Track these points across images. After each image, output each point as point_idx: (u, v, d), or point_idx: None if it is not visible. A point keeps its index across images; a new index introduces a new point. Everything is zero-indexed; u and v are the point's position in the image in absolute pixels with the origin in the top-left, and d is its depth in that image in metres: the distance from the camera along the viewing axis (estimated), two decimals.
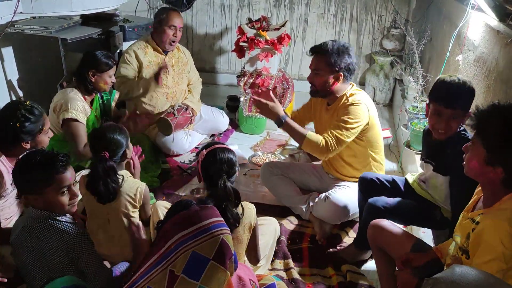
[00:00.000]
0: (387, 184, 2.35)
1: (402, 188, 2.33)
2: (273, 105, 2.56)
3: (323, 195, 2.67)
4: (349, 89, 2.59)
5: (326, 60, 2.49)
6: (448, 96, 1.97)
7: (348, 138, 2.48)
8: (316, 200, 2.69)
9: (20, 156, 1.89)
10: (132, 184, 2.19)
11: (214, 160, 1.96)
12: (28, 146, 2.17)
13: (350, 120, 2.47)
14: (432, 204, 2.16)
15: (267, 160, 3.46)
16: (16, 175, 1.80)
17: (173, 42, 3.38)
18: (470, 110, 1.94)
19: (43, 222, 1.75)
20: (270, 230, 2.43)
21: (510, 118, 1.44)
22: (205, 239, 1.47)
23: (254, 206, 2.09)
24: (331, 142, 2.46)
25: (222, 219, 1.56)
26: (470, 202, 1.68)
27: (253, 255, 2.13)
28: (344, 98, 2.57)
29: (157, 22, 3.34)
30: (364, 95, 2.59)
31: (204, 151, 2.01)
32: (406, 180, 2.34)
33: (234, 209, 1.94)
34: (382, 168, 2.75)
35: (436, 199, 2.14)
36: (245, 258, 2.21)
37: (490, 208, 1.51)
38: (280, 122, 2.56)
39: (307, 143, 2.50)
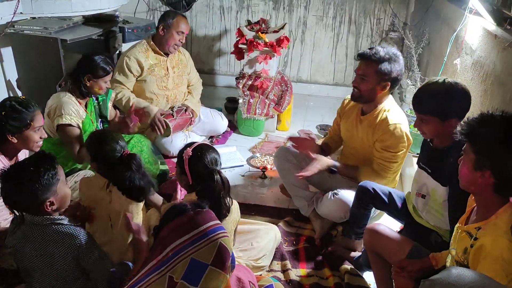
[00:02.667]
0: (384, 197, 2.31)
1: (399, 204, 2.29)
2: (319, 159, 2.58)
3: (330, 192, 2.65)
4: (387, 103, 2.54)
5: (376, 68, 2.41)
6: (414, 100, 2.02)
7: (397, 161, 2.51)
8: (322, 198, 2.68)
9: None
10: None
11: (202, 155, 2.02)
12: (14, 140, 2.14)
13: (395, 149, 2.47)
14: (427, 229, 2.10)
15: (265, 162, 3.46)
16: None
17: (177, 46, 3.39)
18: (451, 117, 1.90)
19: (47, 228, 1.74)
20: (271, 235, 2.44)
21: (500, 122, 1.45)
22: (204, 244, 1.48)
23: (237, 203, 2.17)
24: (386, 174, 2.52)
25: (219, 222, 1.57)
26: (463, 214, 1.66)
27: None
28: (382, 113, 2.51)
29: (166, 25, 3.32)
30: (401, 113, 2.55)
31: (189, 149, 2.05)
32: (405, 199, 2.30)
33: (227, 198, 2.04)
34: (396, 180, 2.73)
35: (435, 221, 2.06)
36: (246, 262, 2.22)
37: (487, 222, 1.49)
38: (333, 171, 2.64)
39: (363, 178, 2.51)
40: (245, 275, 1.77)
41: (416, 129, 2.95)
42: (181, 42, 3.39)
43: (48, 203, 1.72)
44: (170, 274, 1.47)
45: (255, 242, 2.35)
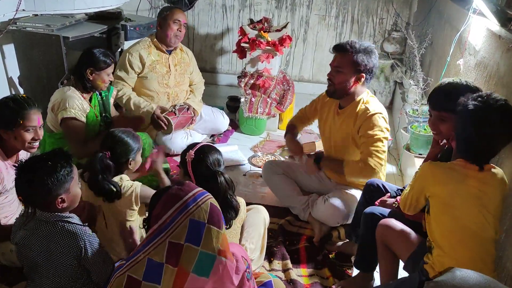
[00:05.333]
0: (394, 194, 2.27)
1: None
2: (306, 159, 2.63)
3: (323, 197, 2.67)
4: (365, 95, 2.54)
5: (351, 59, 2.42)
6: (432, 98, 2.01)
7: (385, 150, 2.43)
8: (316, 201, 2.69)
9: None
10: (127, 188, 2.17)
11: (205, 157, 2.03)
12: (6, 136, 2.12)
13: (380, 133, 2.43)
14: None
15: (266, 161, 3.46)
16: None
17: (178, 36, 3.40)
18: None
19: (54, 225, 1.75)
20: (260, 220, 2.41)
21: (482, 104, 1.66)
22: (197, 206, 1.55)
23: (243, 200, 2.19)
24: (375, 161, 2.39)
25: (202, 189, 1.62)
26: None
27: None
28: (361, 104, 2.51)
29: (162, 19, 3.36)
30: (380, 105, 2.55)
31: (192, 151, 2.06)
32: None
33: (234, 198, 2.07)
34: (384, 175, 2.72)
35: None
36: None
37: None
38: (318, 163, 2.62)
39: (348, 171, 2.46)
40: (239, 251, 1.82)
41: (419, 129, 2.98)
42: (180, 32, 3.39)
43: (60, 200, 1.73)
44: (170, 240, 1.52)
45: (245, 233, 2.32)
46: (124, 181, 2.19)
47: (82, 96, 2.78)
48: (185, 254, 1.52)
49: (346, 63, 2.44)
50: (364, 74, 2.45)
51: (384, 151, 2.44)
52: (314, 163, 2.63)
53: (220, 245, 1.56)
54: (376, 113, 2.46)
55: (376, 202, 2.17)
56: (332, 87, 2.53)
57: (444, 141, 2.05)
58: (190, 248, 1.52)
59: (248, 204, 2.85)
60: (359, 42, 2.45)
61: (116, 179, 2.17)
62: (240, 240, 2.24)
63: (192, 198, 1.55)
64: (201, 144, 2.13)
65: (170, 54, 3.46)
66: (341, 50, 2.47)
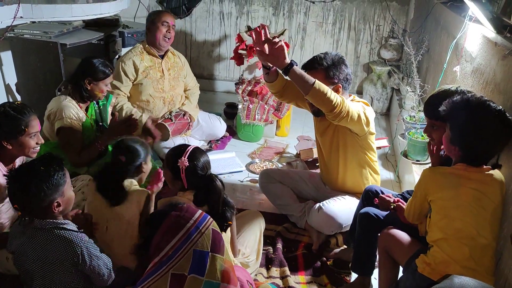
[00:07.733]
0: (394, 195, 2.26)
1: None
2: (281, 46, 2.10)
3: (317, 205, 2.64)
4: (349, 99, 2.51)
5: (323, 74, 2.38)
6: (426, 106, 2.03)
7: (354, 115, 2.30)
8: (311, 210, 2.68)
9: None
10: (136, 193, 2.17)
11: (198, 163, 2.01)
12: (9, 146, 2.12)
13: (355, 104, 2.39)
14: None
15: (264, 168, 3.46)
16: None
17: (167, 38, 3.40)
18: None
19: (50, 232, 1.74)
20: (255, 224, 2.42)
21: (472, 107, 1.74)
22: (200, 234, 1.54)
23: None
24: (345, 103, 2.23)
25: (202, 211, 1.61)
26: None
27: (232, 246, 2.15)
28: None
29: (150, 22, 3.38)
30: (367, 103, 2.54)
31: (184, 158, 2.01)
32: None
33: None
34: (378, 179, 2.73)
35: None
36: (238, 262, 2.21)
37: None
38: (290, 66, 2.13)
39: (318, 84, 2.15)
40: (243, 275, 1.80)
41: (416, 135, 2.98)
42: (169, 33, 3.40)
43: (56, 204, 1.74)
44: (173, 272, 1.50)
45: (241, 238, 2.32)
46: (132, 185, 2.20)
47: (79, 105, 2.77)
48: (188, 285, 1.49)
49: (320, 79, 2.28)
50: (340, 85, 2.41)
51: (358, 114, 2.30)
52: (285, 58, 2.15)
53: (224, 265, 1.54)
54: (354, 100, 2.47)
55: (376, 199, 2.17)
56: (315, 107, 2.42)
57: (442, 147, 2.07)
58: (195, 278, 1.50)
59: (246, 210, 2.86)
60: (326, 55, 2.41)
61: (126, 183, 2.18)
62: (234, 244, 2.23)
63: (194, 226, 1.53)
64: (190, 148, 2.07)
65: (162, 59, 3.47)
66: (310, 68, 2.41)
